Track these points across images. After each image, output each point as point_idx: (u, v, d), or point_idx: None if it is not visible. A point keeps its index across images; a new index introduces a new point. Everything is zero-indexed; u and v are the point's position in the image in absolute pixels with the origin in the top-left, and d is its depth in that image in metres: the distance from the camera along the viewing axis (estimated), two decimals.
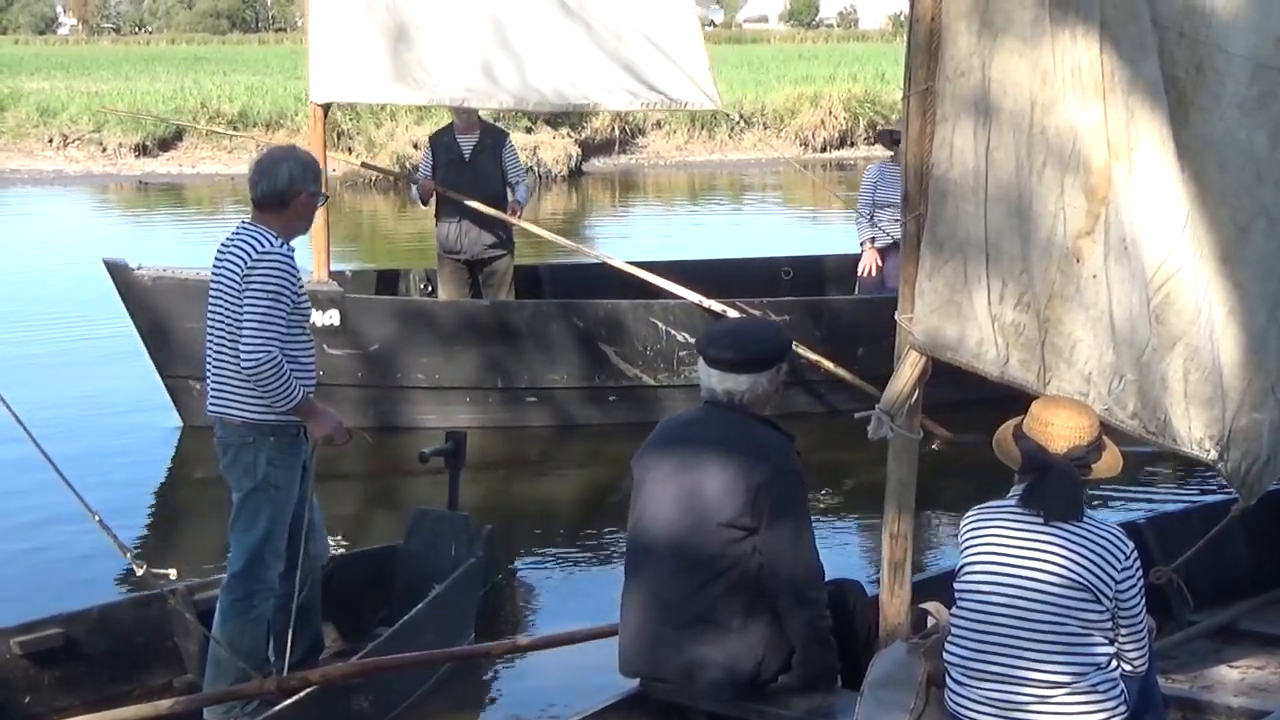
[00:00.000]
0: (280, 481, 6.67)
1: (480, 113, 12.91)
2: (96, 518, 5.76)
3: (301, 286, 6.67)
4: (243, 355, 6.46)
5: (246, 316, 6.48)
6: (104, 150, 32.80)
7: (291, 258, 6.63)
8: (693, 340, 11.57)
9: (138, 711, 6.37)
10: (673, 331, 11.97)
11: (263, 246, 6.55)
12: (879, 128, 13.43)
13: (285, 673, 6.63)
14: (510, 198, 12.80)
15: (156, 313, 11.69)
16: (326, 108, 12.17)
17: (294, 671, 6.65)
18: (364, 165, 15.87)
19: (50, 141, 33.31)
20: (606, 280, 12.80)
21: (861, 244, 13.04)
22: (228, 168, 31.88)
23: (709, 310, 11.82)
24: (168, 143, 32.97)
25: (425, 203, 13.35)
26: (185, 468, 11.45)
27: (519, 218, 12.79)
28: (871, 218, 12.94)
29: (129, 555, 6.04)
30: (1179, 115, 5.37)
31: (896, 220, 12.67)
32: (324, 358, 11.30)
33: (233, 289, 6.54)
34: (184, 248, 19.89)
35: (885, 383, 5.53)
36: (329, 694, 6.49)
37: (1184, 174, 5.36)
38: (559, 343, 11.96)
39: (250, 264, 6.51)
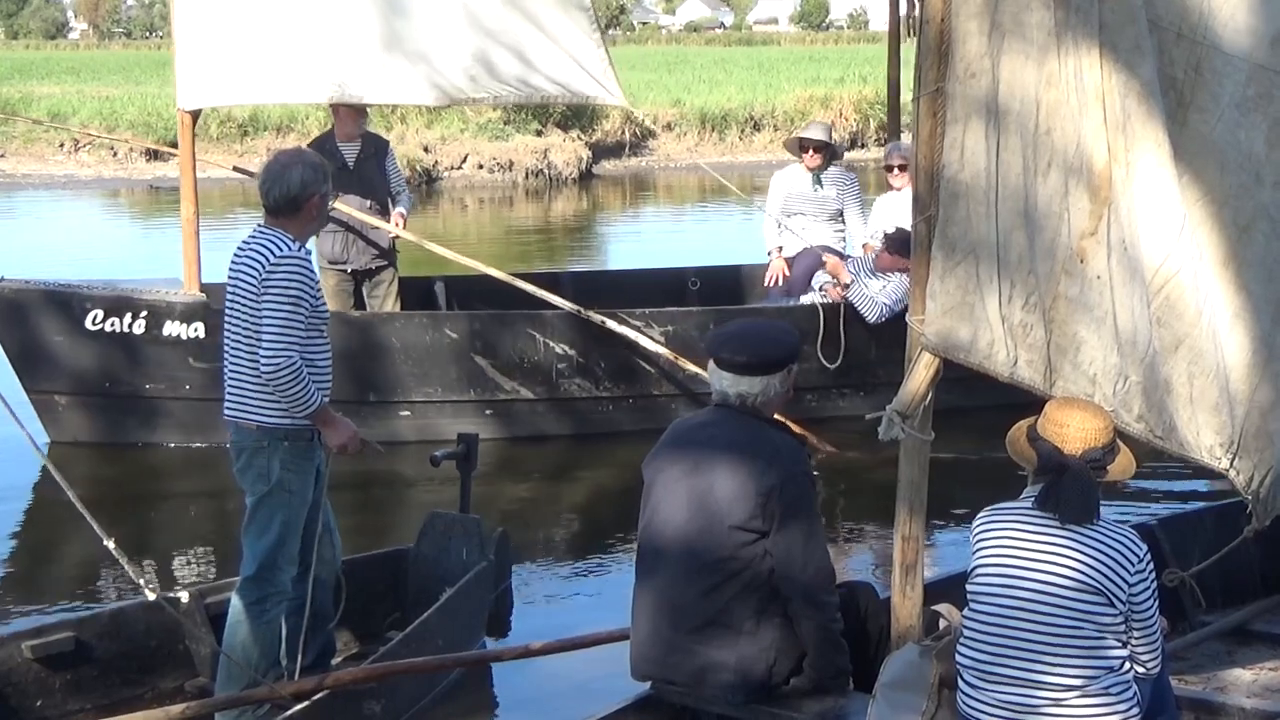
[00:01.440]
0: (294, 486, 6.67)
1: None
2: (111, 543, 5.72)
3: (319, 292, 6.67)
4: (262, 360, 6.46)
5: (266, 321, 6.48)
6: (115, 155, 32.85)
7: (309, 262, 6.65)
8: (572, 352, 11.54)
9: (149, 716, 6.36)
10: (551, 343, 11.63)
11: (280, 251, 6.55)
12: (789, 136, 13.22)
13: (297, 677, 6.63)
14: (393, 209, 12.34)
15: (20, 325, 11.36)
16: (196, 114, 11.81)
17: (306, 675, 6.66)
18: (235, 169, 15.51)
19: (61, 146, 33.34)
20: (504, 292, 12.30)
21: (769, 253, 12.88)
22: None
23: (592, 322, 11.50)
24: (177, 144, 32.98)
25: None
26: (48, 486, 10.67)
27: (402, 228, 12.27)
28: (779, 225, 12.81)
29: (143, 580, 6.00)
30: (1178, 116, 5.38)
31: (804, 229, 12.53)
32: (189, 372, 11.26)
33: (250, 294, 6.54)
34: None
35: None
36: (341, 698, 6.49)
37: (1183, 176, 5.37)
38: (432, 355, 11.58)
39: (269, 269, 6.51)
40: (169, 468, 11.39)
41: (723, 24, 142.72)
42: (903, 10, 13.46)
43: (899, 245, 11.59)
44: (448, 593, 7.26)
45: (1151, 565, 5.05)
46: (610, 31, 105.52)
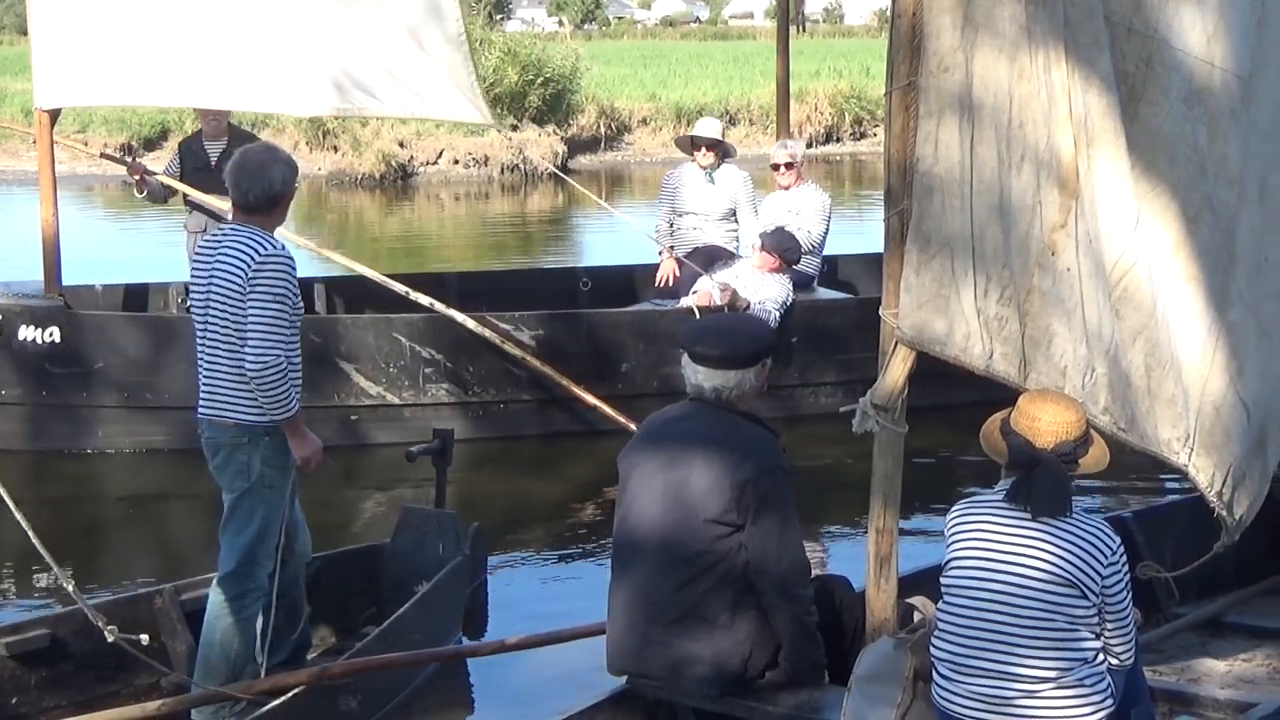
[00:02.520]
0: (274, 481, 6.66)
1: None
2: (70, 585, 5.62)
3: (298, 291, 6.66)
4: (249, 360, 6.44)
5: (254, 321, 6.46)
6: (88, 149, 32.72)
7: (294, 261, 6.64)
8: (439, 356, 11.26)
9: (125, 713, 6.37)
10: (417, 347, 11.28)
11: (266, 249, 6.52)
12: (680, 135, 12.95)
13: (273, 673, 6.63)
14: None
15: None
16: (54, 113, 11.61)
17: (282, 671, 6.65)
18: (103, 155, 15.26)
19: (35, 142, 33.18)
20: (386, 293, 11.87)
21: (660, 253, 12.71)
22: None
23: (461, 325, 11.20)
24: (153, 143, 32.90)
25: (158, 200, 12.66)
26: None
27: None
28: (671, 225, 12.64)
29: (102, 622, 5.93)
30: (1130, 110, 5.45)
31: (696, 228, 12.43)
32: (46, 377, 11.01)
33: (235, 292, 6.50)
34: (170, 250, 19.81)
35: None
36: (317, 694, 6.49)
37: (1136, 169, 5.44)
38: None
39: (256, 267, 6.48)
40: (30, 475, 10.96)
41: (698, 18, 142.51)
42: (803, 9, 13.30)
43: (775, 245, 11.54)
44: (423, 588, 7.27)
45: (1125, 557, 5.07)
46: (586, 25, 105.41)
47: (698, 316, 10.80)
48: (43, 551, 5.32)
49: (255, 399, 6.51)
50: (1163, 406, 5.48)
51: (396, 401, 11.37)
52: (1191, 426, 5.56)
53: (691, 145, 12.73)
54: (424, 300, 11.35)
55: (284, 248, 6.60)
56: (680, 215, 12.65)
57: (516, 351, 11.28)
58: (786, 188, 12.54)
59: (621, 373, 11.64)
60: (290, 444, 6.64)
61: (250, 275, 6.47)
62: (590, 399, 11.22)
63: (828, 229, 12.63)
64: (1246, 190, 5.76)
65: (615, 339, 11.74)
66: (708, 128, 12.85)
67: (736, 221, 12.68)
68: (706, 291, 11.70)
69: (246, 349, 6.46)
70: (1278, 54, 5.89)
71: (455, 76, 11.57)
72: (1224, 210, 5.69)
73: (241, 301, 6.49)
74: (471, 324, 11.20)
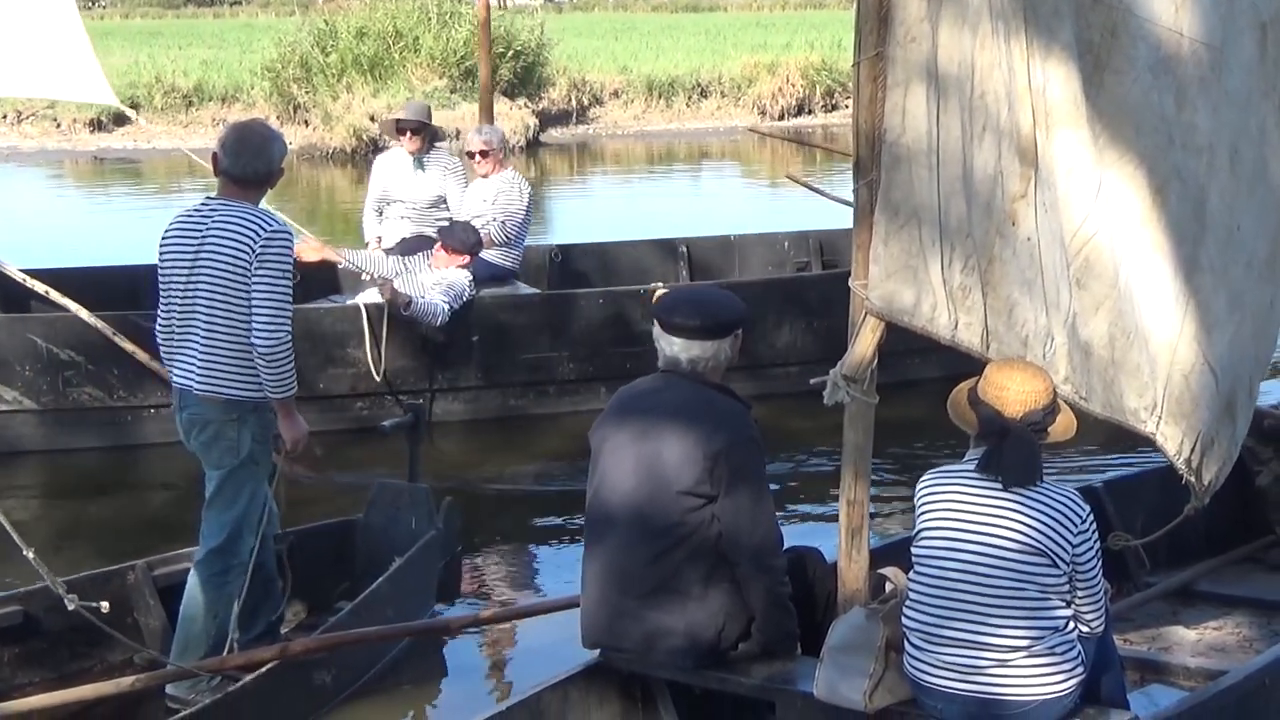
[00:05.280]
0: (261, 458, 6.68)
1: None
2: (30, 552, 5.63)
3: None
4: (260, 337, 6.41)
5: (263, 297, 6.43)
6: (58, 126, 32.58)
7: (293, 237, 6.64)
8: (80, 359, 10.42)
9: (99, 688, 6.36)
10: (55, 349, 10.33)
11: (270, 225, 6.51)
12: (385, 117, 11.99)
13: (247, 648, 6.63)
14: None
15: None
16: None
17: (255, 646, 6.65)
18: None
19: (4, 117, 33.07)
20: (91, 290, 10.89)
21: (367, 243, 12.08)
22: (184, 143, 31.70)
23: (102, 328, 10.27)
24: (123, 118, 32.74)
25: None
26: None
27: None
28: (380, 213, 12.09)
29: (61, 589, 5.93)
30: (1094, 79, 5.43)
31: (404, 217, 11.81)
32: None
33: (239, 267, 6.45)
34: (143, 225, 19.76)
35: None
36: (290, 669, 6.49)
37: (1100, 139, 5.43)
38: None
39: (263, 243, 6.45)
40: None
41: None
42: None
43: (456, 240, 11.04)
44: (397, 563, 7.26)
45: (1094, 525, 5.10)
46: None
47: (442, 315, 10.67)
48: (6, 526, 5.37)
49: (253, 375, 6.49)
50: (1128, 375, 5.50)
51: (35, 407, 10.54)
52: (1159, 395, 5.57)
53: (396, 129, 12.07)
54: (60, 299, 10.36)
55: (284, 223, 6.59)
56: (388, 203, 12.05)
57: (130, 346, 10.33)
58: (485, 175, 11.82)
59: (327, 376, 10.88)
60: (280, 424, 6.64)
61: (258, 251, 6.44)
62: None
63: (527, 218, 11.95)
64: (1217, 159, 5.77)
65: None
66: (411, 110, 12.16)
67: (447, 208, 12.01)
68: (389, 285, 10.93)
69: (255, 326, 6.43)
70: (1250, 22, 5.89)
71: (71, 55, 11.07)
72: (1192, 179, 5.70)
73: (245, 277, 6.45)
74: (100, 324, 10.30)
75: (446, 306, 10.85)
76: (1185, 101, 5.64)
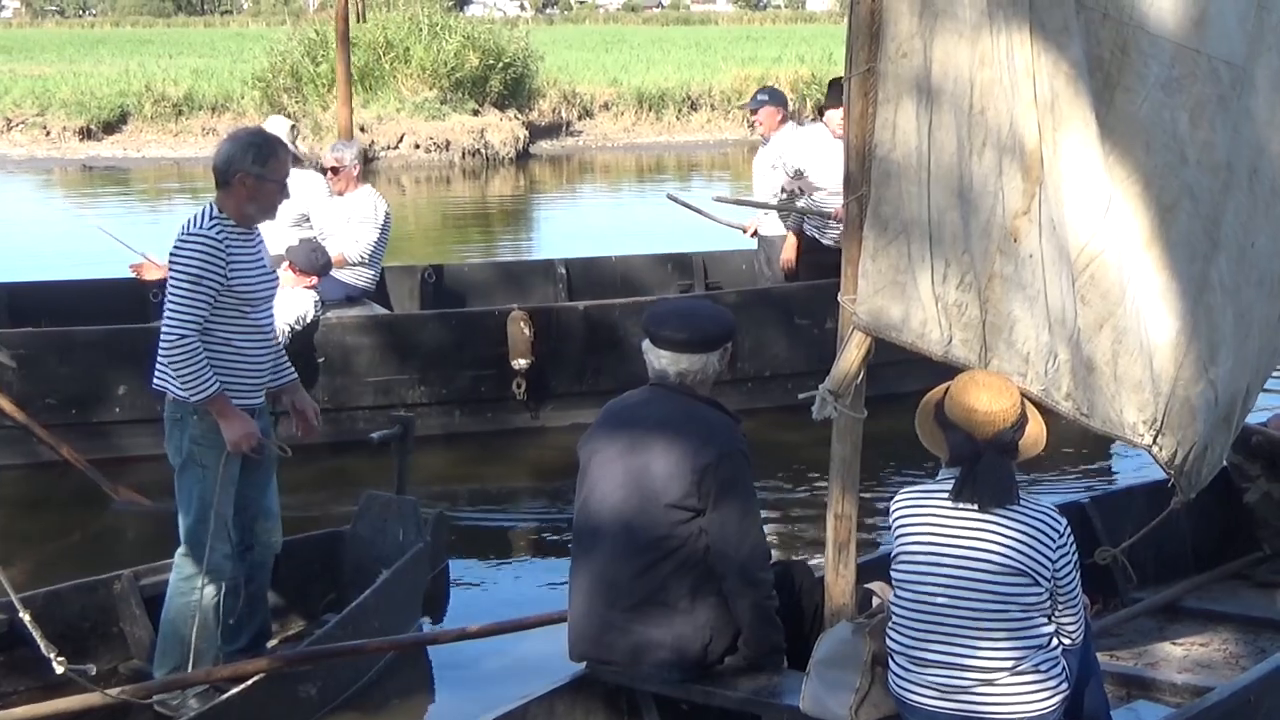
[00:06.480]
0: (206, 461, 6.61)
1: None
2: (26, 614, 5.62)
3: (252, 274, 6.61)
4: (161, 335, 6.49)
5: (168, 296, 6.51)
6: (48, 134, 32.58)
7: (219, 241, 6.52)
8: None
9: (85, 699, 6.33)
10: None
11: (191, 226, 6.58)
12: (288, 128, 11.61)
13: (233, 659, 6.61)
14: None
15: None
16: None
17: (242, 658, 6.64)
18: None
19: None
20: (67, 304, 10.96)
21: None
22: (173, 151, 31.72)
23: None
24: (112, 126, 32.77)
25: None
26: None
27: None
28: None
29: (52, 654, 5.89)
30: (1105, 96, 5.42)
31: (327, 239, 11.26)
32: None
33: (171, 264, 6.58)
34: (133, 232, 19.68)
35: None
36: (276, 681, 6.47)
37: (1109, 156, 5.42)
38: None
39: (177, 243, 6.55)
40: None
41: (661, 3, 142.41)
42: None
43: (303, 260, 10.81)
44: (384, 575, 7.24)
45: (1072, 539, 5.10)
46: (548, 10, 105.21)
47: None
48: (9, 588, 5.39)
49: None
50: (1129, 391, 5.48)
51: None
52: (1160, 411, 5.55)
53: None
54: None
55: (214, 227, 6.55)
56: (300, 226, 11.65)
57: None
58: (340, 193, 11.59)
59: (114, 397, 10.45)
60: (222, 428, 6.59)
61: (171, 251, 6.56)
62: (40, 432, 9.57)
63: (383, 237, 11.69)
64: (1235, 177, 5.74)
65: (95, 359, 10.44)
66: (273, 125, 11.36)
67: (310, 227, 11.70)
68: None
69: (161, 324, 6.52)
70: (1278, 40, 5.89)
71: None
72: (1206, 197, 5.66)
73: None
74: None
75: (286, 328, 10.22)
76: (1201, 119, 5.60)
